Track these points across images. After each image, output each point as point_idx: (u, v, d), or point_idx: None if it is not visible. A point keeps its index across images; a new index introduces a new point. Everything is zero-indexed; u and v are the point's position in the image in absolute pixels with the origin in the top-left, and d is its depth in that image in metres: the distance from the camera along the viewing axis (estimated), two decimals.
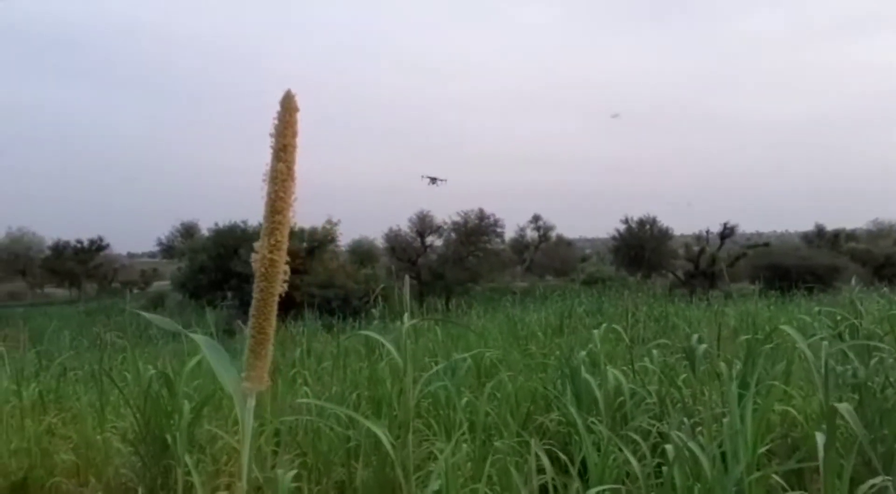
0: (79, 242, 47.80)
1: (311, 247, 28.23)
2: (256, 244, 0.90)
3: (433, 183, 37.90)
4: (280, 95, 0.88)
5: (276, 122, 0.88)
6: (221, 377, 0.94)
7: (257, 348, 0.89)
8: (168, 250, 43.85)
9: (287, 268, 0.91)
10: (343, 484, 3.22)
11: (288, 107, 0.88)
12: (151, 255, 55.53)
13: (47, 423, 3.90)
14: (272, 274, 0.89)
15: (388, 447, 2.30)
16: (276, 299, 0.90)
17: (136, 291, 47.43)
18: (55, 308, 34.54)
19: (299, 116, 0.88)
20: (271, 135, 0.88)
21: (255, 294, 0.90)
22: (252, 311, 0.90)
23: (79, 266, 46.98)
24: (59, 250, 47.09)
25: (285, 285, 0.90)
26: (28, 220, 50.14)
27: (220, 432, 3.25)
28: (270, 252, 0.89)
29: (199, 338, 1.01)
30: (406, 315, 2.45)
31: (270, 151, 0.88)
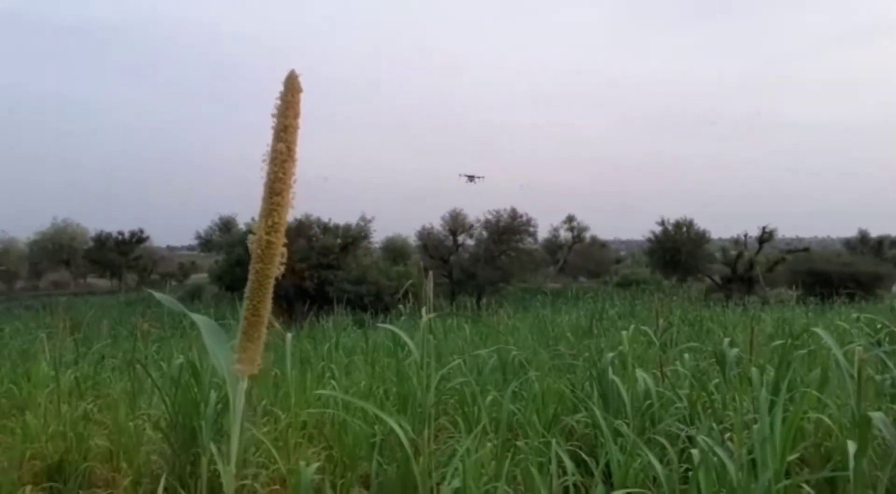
0: (120, 233, 49.00)
1: (345, 243, 28.44)
2: (254, 225, 0.88)
3: (471, 181, 37.99)
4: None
5: (278, 102, 0.85)
6: (215, 359, 0.93)
7: (250, 330, 0.87)
8: (206, 243, 44.65)
9: (284, 250, 0.88)
10: (368, 478, 3.23)
11: (291, 87, 0.85)
12: (190, 248, 56.61)
13: (83, 409, 3.99)
14: (268, 256, 0.87)
15: (405, 441, 2.30)
16: (272, 281, 0.88)
17: (174, 283, 48.44)
18: (97, 298, 35.42)
19: (302, 96, 0.86)
20: (273, 115, 0.85)
21: (251, 276, 0.87)
22: (247, 293, 0.88)
23: (120, 257, 48.13)
24: (102, 241, 48.31)
25: (282, 268, 0.88)
26: (73, 211, 51.55)
27: (246, 424, 3.29)
28: (267, 233, 0.86)
29: (197, 318, 1.01)
30: (424, 310, 2.44)
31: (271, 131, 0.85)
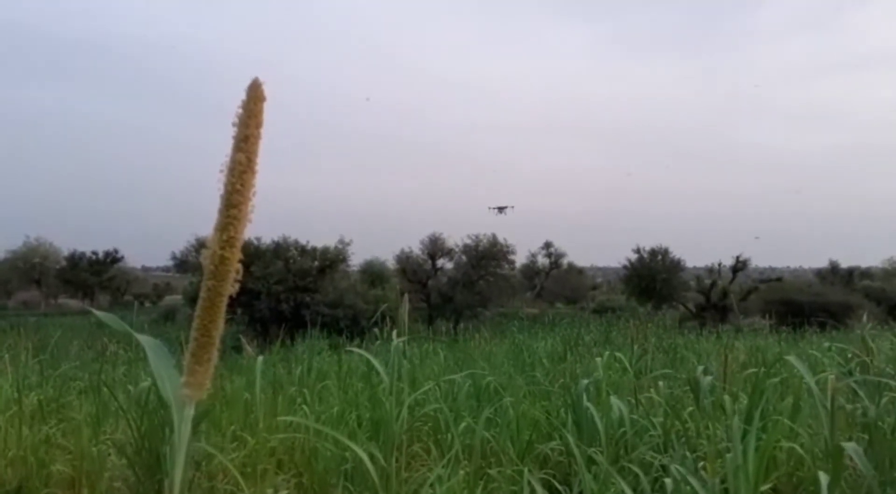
0: (94, 253, 48.29)
1: (323, 266, 28.24)
2: (209, 239, 0.83)
3: (501, 212, 38.33)
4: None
5: (239, 110, 0.83)
6: (160, 382, 0.89)
7: (200, 352, 0.82)
8: (182, 264, 44.02)
9: (240, 267, 0.84)
10: None
11: (254, 96, 0.83)
12: (165, 269, 55.83)
13: (45, 433, 3.88)
14: (222, 272, 0.83)
15: (372, 470, 2.25)
16: (225, 300, 0.83)
17: (148, 304, 47.75)
18: (67, 319, 34.63)
19: (265, 105, 0.84)
20: (234, 124, 0.83)
21: (202, 293, 0.83)
22: (197, 311, 0.83)
23: (93, 278, 47.36)
24: (75, 260, 47.54)
25: (237, 286, 0.84)
26: (45, 230, 50.60)
27: (212, 450, 3.21)
28: (222, 249, 0.82)
29: (143, 339, 0.98)
30: (395, 333, 2.42)
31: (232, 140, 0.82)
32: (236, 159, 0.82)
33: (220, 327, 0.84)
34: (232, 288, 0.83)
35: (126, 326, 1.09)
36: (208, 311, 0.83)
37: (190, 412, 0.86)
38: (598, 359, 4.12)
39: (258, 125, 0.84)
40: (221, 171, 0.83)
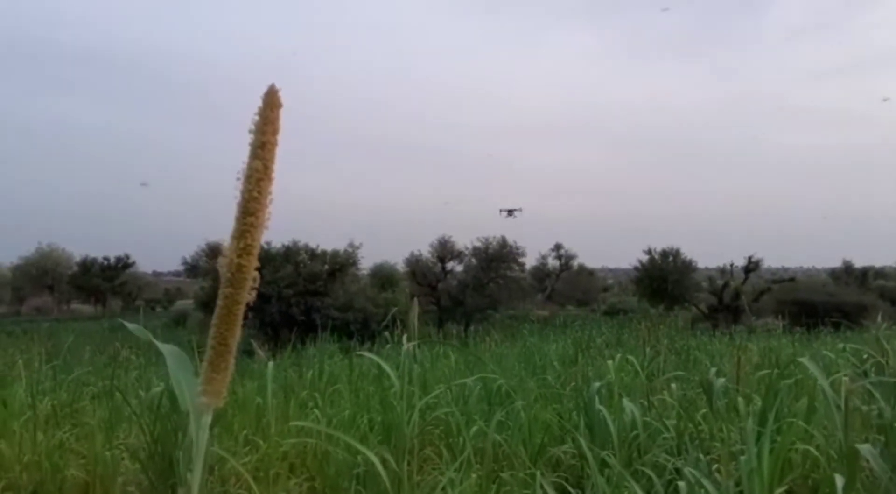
0: (106, 259, 48.70)
1: (333, 270, 28.32)
2: (225, 247, 0.83)
3: (511, 215, 38.49)
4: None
5: (256, 117, 0.83)
6: (178, 390, 0.89)
7: (217, 360, 0.82)
8: (193, 269, 44.28)
9: (256, 275, 0.84)
10: None
11: (270, 102, 0.83)
12: (176, 274, 56.12)
13: (59, 438, 3.90)
14: (239, 280, 0.82)
15: (383, 474, 2.25)
16: (243, 308, 0.83)
17: (159, 309, 48.10)
18: (79, 324, 34.90)
19: (281, 112, 0.84)
20: (250, 131, 0.83)
21: (219, 301, 0.83)
22: (214, 320, 0.82)
23: (105, 283, 47.77)
24: (87, 266, 47.96)
25: (253, 293, 0.84)
26: (58, 236, 51.03)
27: (225, 454, 3.21)
28: (239, 256, 0.82)
29: (163, 347, 0.98)
30: (405, 338, 2.42)
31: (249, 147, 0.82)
32: (253, 167, 0.82)
33: (236, 335, 0.84)
34: (249, 296, 0.83)
35: (149, 335, 1.09)
36: (225, 319, 0.83)
37: (207, 420, 0.85)
38: (610, 362, 4.10)
39: (275, 132, 0.83)
40: (238, 178, 0.83)
